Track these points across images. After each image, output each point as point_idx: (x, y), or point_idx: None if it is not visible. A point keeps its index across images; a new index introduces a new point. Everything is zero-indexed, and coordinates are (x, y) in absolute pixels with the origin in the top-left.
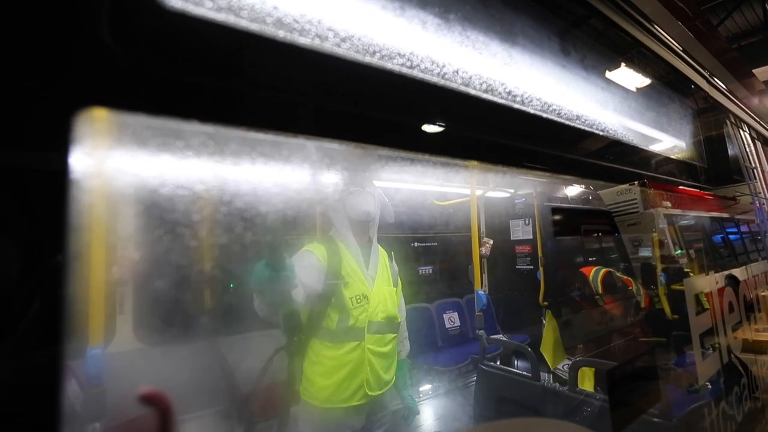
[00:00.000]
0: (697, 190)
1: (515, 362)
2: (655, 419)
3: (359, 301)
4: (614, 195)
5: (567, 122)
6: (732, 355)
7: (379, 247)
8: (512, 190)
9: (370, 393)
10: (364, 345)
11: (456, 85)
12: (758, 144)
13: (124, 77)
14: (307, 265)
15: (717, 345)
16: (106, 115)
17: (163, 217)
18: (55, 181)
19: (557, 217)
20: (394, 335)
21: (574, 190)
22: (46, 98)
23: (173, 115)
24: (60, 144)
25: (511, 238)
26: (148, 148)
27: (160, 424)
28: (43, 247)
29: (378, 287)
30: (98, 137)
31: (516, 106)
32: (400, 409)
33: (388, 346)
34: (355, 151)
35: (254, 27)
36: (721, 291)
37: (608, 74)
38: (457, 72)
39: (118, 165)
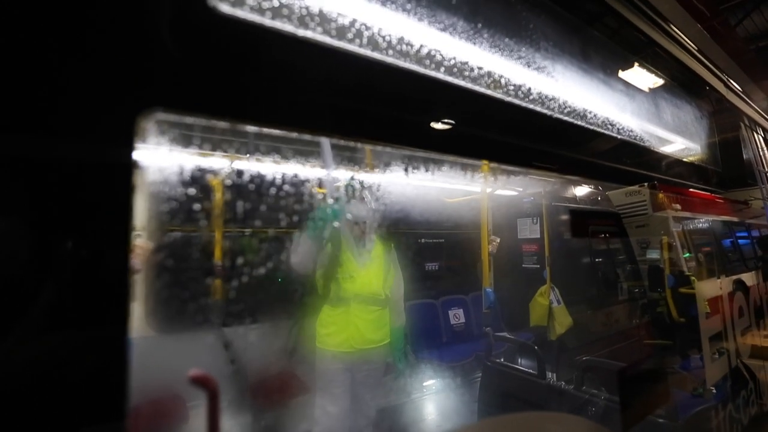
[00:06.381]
0: (707, 194)
1: (519, 360)
2: (661, 420)
3: (347, 278)
4: (623, 196)
5: (579, 123)
6: (739, 360)
7: (375, 239)
8: (521, 189)
9: (355, 345)
10: (349, 310)
11: (465, 82)
12: None
13: (181, 80)
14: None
15: (725, 349)
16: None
17: (177, 207)
18: (86, 173)
19: (565, 217)
20: (379, 307)
21: (582, 191)
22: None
23: (217, 116)
24: (100, 138)
25: (518, 237)
26: (169, 142)
27: (209, 405)
28: (64, 235)
29: (366, 270)
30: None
31: (528, 105)
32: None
33: (373, 314)
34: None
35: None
36: (730, 296)
37: (622, 74)
38: (468, 69)
39: (140, 156)
